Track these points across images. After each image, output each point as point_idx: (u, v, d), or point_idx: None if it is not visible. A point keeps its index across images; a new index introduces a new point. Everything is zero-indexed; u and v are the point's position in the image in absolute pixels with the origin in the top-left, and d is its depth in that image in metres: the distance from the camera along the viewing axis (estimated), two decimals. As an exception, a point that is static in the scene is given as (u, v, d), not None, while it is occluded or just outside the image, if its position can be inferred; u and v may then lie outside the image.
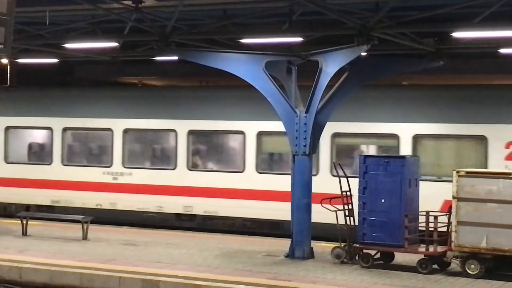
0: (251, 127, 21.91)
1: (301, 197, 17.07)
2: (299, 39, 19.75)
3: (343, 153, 21.22)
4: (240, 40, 20.29)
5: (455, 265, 15.57)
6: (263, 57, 17.36)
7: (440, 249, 15.62)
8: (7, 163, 25.28)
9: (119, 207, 23.43)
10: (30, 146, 25.61)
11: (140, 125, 23.47)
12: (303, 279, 14.69)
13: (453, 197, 15.20)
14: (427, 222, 15.87)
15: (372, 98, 20.83)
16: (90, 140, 24.70)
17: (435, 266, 15.63)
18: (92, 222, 20.07)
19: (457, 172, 15.29)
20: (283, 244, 17.87)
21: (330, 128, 19.28)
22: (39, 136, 25.57)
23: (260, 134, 21.83)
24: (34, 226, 20.75)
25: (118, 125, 23.67)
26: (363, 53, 17.62)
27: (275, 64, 17.61)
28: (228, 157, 22.89)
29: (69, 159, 24.55)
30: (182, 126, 22.74)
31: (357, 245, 16.23)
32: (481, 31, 17.34)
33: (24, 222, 19.90)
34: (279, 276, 14.97)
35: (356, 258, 16.28)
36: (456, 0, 16.66)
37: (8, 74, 32.90)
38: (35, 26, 21.06)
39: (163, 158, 23.47)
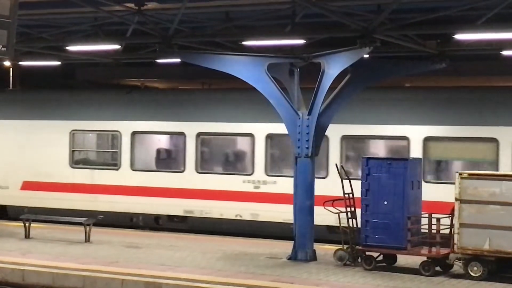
0: (416, 132, 20.42)
1: (304, 199, 17.09)
2: (301, 41, 19.76)
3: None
4: (242, 43, 20.32)
5: (457, 267, 15.54)
6: (265, 59, 17.34)
7: (442, 251, 15.62)
8: (134, 170, 23.63)
9: (261, 218, 21.82)
10: (159, 152, 24.08)
11: (285, 130, 21.75)
12: (306, 282, 14.68)
13: (456, 199, 15.18)
14: (430, 224, 15.87)
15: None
16: (227, 146, 23.25)
17: (437, 268, 15.61)
18: (95, 224, 20.08)
19: (460, 174, 15.28)
20: (286, 246, 17.87)
21: None
22: (169, 142, 24.13)
23: (427, 140, 20.29)
24: (36, 228, 20.76)
25: (261, 130, 22.07)
26: (366, 55, 17.62)
27: (277, 66, 17.58)
28: None
29: (204, 166, 22.95)
30: (335, 131, 20.51)
31: (360, 247, 16.22)
32: (484, 33, 17.35)
33: (27, 224, 19.90)
34: (281, 278, 14.96)
35: (359, 260, 16.27)
36: (458, 2, 16.67)
37: (11, 77, 33.01)
38: (38, 29, 21.09)
39: None
